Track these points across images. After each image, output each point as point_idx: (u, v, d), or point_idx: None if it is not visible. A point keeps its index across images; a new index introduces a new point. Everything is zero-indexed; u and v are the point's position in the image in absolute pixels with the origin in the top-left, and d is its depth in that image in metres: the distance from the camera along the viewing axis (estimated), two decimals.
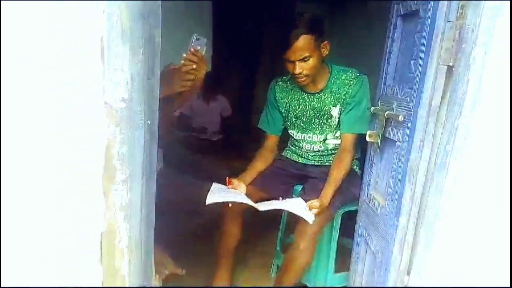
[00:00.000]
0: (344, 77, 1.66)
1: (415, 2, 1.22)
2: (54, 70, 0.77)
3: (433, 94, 1.11)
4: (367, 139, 1.45)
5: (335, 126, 1.72)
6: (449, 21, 1.05)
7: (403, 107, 1.26)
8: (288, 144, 1.93)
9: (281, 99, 1.78)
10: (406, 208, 1.20)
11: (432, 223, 1.13)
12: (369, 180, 1.54)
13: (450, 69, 1.08)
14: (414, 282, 1.23)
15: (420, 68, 1.16)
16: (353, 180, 1.71)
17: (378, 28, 1.64)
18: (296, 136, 1.82)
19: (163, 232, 1.20)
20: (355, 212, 1.67)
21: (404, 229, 1.22)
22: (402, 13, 1.34)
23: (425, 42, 1.13)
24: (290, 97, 1.76)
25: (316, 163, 1.82)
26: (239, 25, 4.59)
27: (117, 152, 0.85)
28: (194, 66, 1.19)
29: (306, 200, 1.56)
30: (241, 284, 1.98)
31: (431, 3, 1.11)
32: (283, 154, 1.92)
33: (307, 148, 1.81)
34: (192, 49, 1.19)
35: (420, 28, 1.18)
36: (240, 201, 1.57)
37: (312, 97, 1.72)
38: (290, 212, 1.55)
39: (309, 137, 1.78)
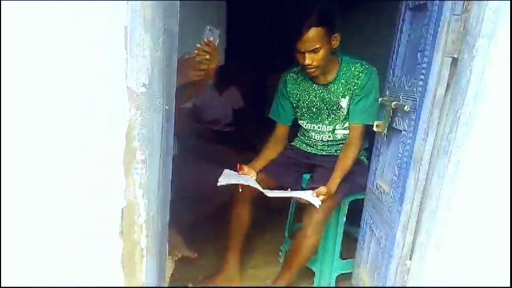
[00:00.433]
0: (353, 69, 1.70)
1: None
2: (82, 57, 0.84)
3: (438, 85, 1.15)
4: (375, 129, 1.49)
5: (344, 116, 1.77)
6: (455, 14, 1.09)
7: (409, 98, 1.30)
8: (298, 134, 1.98)
9: (292, 90, 1.83)
10: (409, 194, 1.25)
11: (434, 210, 1.18)
12: (376, 169, 1.59)
13: (454, 60, 1.11)
14: (416, 267, 1.28)
15: (426, 59, 1.20)
16: (361, 170, 1.75)
17: (388, 20, 1.68)
18: (305, 126, 1.87)
19: (176, 216, 1.27)
20: (362, 201, 1.72)
21: (407, 215, 1.27)
22: (411, 6, 1.38)
23: (431, 34, 1.17)
24: (300, 88, 1.81)
25: (325, 153, 1.87)
26: (252, 18, 4.63)
27: (137, 133, 0.91)
28: (207, 56, 1.25)
29: (314, 188, 1.62)
30: (250, 268, 2.05)
31: None
32: (292, 143, 1.97)
33: (316, 138, 1.86)
34: (205, 40, 1.25)
35: (427, 21, 1.22)
36: (250, 185, 1.63)
37: (322, 88, 1.76)
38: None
39: (319, 127, 1.83)
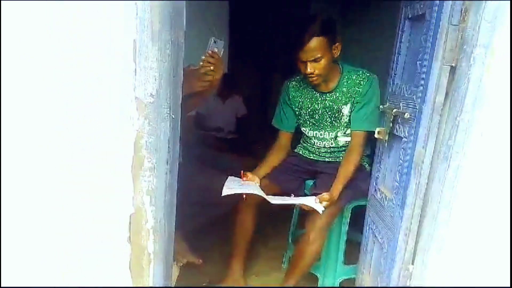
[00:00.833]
0: (355, 77, 1.73)
1: (422, 6, 1.29)
2: (91, 70, 0.87)
3: (437, 93, 1.18)
4: (376, 136, 1.52)
5: (345, 124, 1.80)
6: (453, 24, 1.12)
7: (409, 105, 1.33)
8: (301, 141, 2.01)
9: (294, 98, 1.86)
10: (411, 199, 1.27)
11: (436, 214, 1.20)
12: (378, 175, 1.61)
13: (453, 69, 1.14)
14: (418, 271, 1.29)
15: (425, 68, 1.23)
16: (363, 176, 1.78)
17: (388, 30, 1.71)
18: (308, 133, 1.90)
19: (181, 222, 1.29)
20: (365, 207, 1.74)
21: (409, 219, 1.29)
22: (410, 16, 1.41)
23: (430, 44, 1.20)
24: (303, 96, 1.84)
25: (327, 160, 1.89)
26: (255, 27, 4.68)
27: (145, 142, 0.95)
28: (211, 68, 1.28)
29: (316, 195, 1.64)
30: (254, 275, 2.07)
31: (436, 7, 1.18)
32: (295, 150, 2.00)
33: (318, 145, 1.89)
34: (210, 52, 1.28)
35: (426, 31, 1.25)
36: (254, 192, 1.66)
37: (324, 96, 1.79)
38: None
39: (321, 135, 1.86)
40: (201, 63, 1.28)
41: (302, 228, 1.90)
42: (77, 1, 0.83)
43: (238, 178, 1.76)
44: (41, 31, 0.84)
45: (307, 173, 1.93)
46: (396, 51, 1.50)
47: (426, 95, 1.21)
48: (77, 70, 0.87)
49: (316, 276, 1.89)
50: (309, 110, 1.83)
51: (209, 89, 1.34)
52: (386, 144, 1.51)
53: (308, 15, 1.64)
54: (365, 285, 1.66)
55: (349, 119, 1.78)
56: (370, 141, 1.76)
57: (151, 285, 1.04)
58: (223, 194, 1.60)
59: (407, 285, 1.33)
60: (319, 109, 1.81)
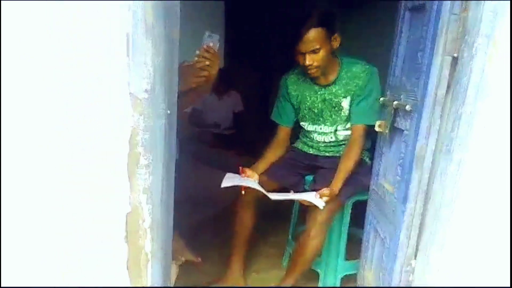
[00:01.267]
0: (354, 69, 1.71)
1: None
2: (84, 65, 0.85)
3: (438, 84, 1.16)
4: (376, 129, 1.50)
5: (345, 117, 1.77)
6: (454, 14, 1.10)
7: (410, 97, 1.31)
8: (300, 136, 1.99)
9: (293, 91, 1.84)
10: (413, 194, 1.25)
11: (438, 208, 1.18)
12: (379, 169, 1.59)
13: (454, 60, 1.12)
14: (420, 267, 1.28)
15: (426, 59, 1.20)
16: (363, 170, 1.76)
17: (388, 25, 1.68)
18: (307, 127, 1.87)
19: (179, 220, 1.27)
20: (366, 202, 1.72)
21: (411, 214, 1.27)
22: (410, 7, 1.38)
23: (430, 34, 1.18)
24: (301, 89, 1.82)
25: (327, 154, 1.87)
26: (251, 21, 4.64)
27: (140, 139, 0.92)
28: (207, 63, 1.25)
29: (317, 190, 1.62)
30: (253, 272, 2.05)
31: None
32: (294, 145, 1.98)
33: (318, 140, 1.87)
34: (204, 46, 1.25)
35: (426, 21, 1.22)
36: (254, 187, 1.64)
37: (323, 89, 1.77)
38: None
39: (320, 129, 1.84)
40: (196, 58, 1.25)
41: (302, 224, 1.89)
42: None
43: (237, 175, 1.73)
44: (31, 25, 0.81)
45: (306, 168, 1.91)
46: (396, 43, 1.47)
47: (428, 87, 1.19)
48: (69, 65, 0.84)
49: (317, 272, 1.88)
50: (308, 104, 1.81)
51: (205, 85, 1.31)
52: (387, 137, 1.49)
53: (306, 6, 1.60)
54: (367, 281, 1.64)
55: (349, 113, 1.75)
56: (370, 134, 1.74)
57: (149, 285, 1.02)
58: (222, 186, 1.59)
59: (410, 280, 1.31)
60: (318, 102, 1.78)
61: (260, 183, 1.75)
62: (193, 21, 2.89)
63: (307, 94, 1.80)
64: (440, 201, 1.17)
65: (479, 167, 1.07)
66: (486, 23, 1.00)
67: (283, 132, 1.90)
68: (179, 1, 0.98)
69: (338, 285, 1.86)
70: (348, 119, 1.77)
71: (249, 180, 1.72)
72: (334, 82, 1.74)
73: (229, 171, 1.76)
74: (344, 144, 1.82)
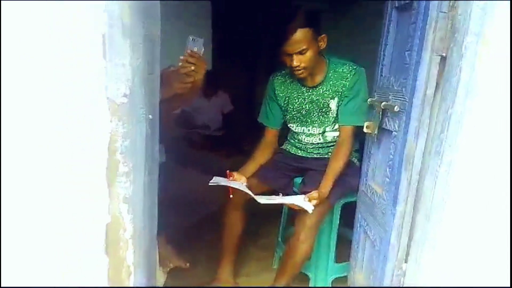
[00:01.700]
0: (341, 70, 1.68)
1: None
2: (57, 68, 0.80)
3: (427, 84, 1.14)
4: (365, 130, 1.47)
5: (333, 118, 1.75)
6: (442, 12, 1.07)
7: (398, 98, 1.28)
8: (288, 138, 1.95)
9: (280, 93, 1.80)
10: (403, 196, 1.23)
11: (429, 210, 1.16)
12: (368, 171, 1.57)
13: (443, 59, 1.10)
14: (412, 270, 1.25)
15: (414, 58, 1.18)
16: (352, 172, 1.73)
17: (375, 21, 1.66)
18: (295, 129, 1.84)
19: (166, 225, 1.23)
20: (355, 202, 1.70)
21: (401, 216, 1.24)
22: (397, 5, 1.36)
23: (418, 33, 1.16)
24: (289, 91, 1.79)
25: (316, 156, 1.84)
26: (238, 21, 4.60)
27: (120, 145, 0.87)
28: (192, 68, 1.20)
29: (306, 192, 1.59)
30: (244, 276, 2.01)
31: None
32: (282, 147, 1.95)
33: (306, 141, 1.84)
34: (188, 51, 1.20)
35: (414, 19, 1.20)
36: (242, 189, 1.61)
37: (310, 90, 1.74)
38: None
39: (308, 130, 1.81)
40: (180, 64, 1.20)
41: (291, 225, 1.86)
42: None
43: (224, 179, 1.70)
44: None
45: (295, 170, 1.88)
46: (384, 42, 1.45)
47: (416, 87, 1.16)
48: (39, 69, 0.79)
49: (307, 275, 1.85)
50: (296, 105, 1.78)
51: (192, 91, 1.26)
52: (375, 138, 1.47)
53: (291, 7, 1.57)
54: (358, 283, 1.62)
55: (337, 114, 1.73)
56: (359, 135, 1.71)
57: None
58: (210, 183, 1.58)
59: (401, 283, 1.29)
60: (306, 104, 1.76)
61: (248, 186, 1.71)
62: (179, 21, 2.84)
63: (294, 95, 1.77)
64: (431, 203, 1.14)
65: (470, 167, 1.05)
66: (475, 21, 0.97)
67: (271, 134, 1.87)
68: (158, 0, 0.94)
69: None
70: (336, 120, 1.74)
71: (237, 184, 1.68)
72: (321, 83, 1.71)
73: (217, 175, 1.72)
74: (332, 145, 1.79)
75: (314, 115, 1.76)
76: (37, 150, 0.83)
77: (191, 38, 1.20)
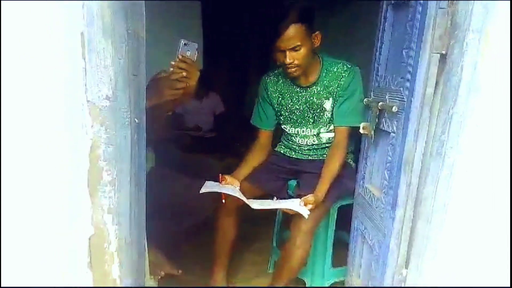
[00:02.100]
0: (335, 69, 1.64)
1: None
2: (32, 69, 0.74)
3: (426, 83, 1.09)
4: (361, 131, 1.43)
5: (328, 119, 1.70)
6: (441, 8, 1.03)
7: (396, 98, 1.24)
8: (281, 139, 1.90)
9: (273, 93, 1.75)
10: (402, 200, 1.18)
11: (430, 215, 1.11)
12: (364, 173, 1.52)
13: (443, 57, 1.05)
14: (412, 276, 1.21)
15: (412, 57, 1.13)
16: (348, 174, 1.69)
17: (371, 19, 1.62)
18: (289, 130, 1.79)
19: (157, 232, 1.17)
20: (352, 205, 1.65)
21: (401, 221, 1.20)
22: (392, 2, 1.32)
23: (416, 31, 1.11)
24: (282, 91, 1.74)
25: (310, 158, 1.79)
26: (229, 22, 4.54)
27: (102, 152, 0.82)
28: (184, 74, 1.11)
29: (301, 196, 1.54)
30: (239, 281, 1.96)
31: None
32: (276, 149, 1.89)
33: (300, 143, 1.79)
34: (180, 56, 1.11)
35: (411, 17, 1.16)
36: (234, 195, 1.55)
37: (304, 90, 1.69)
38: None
39: (303, 131, 1.76)
40: (171, 69, 1.11)
41: (286, 229, 1.81)
42: None
43: (217, 183, 1.64)
44: None
45: (289, 173, 1.82)
46: (379, 41, 1.40)
47: (415, 86, 1.12)
48: (13, 72, 0.73)
49: (303, 280, 1.80)
50: (289, 106, 1.73)
51: (184, 97, 1.19)
52: (372, 140, 1.42)
53: (284, 3, 1.52)
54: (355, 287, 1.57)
55: (332, 114, 1.68)
56: (354, 136, 1.67)
57: None
58: (201, 191, 1.53)
59: None
60: (300, 104, 1.71)
61: (241, 190, 1.66)
62: (170, 26, 2.77)
63: (287, 95, 1.72)
64: (432, 207, 1.10)
65: (473, 170, 1.00)
66: (477, 17, 0.93)
67: (264, 136, 1.81)
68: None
69: None
70: (330, 121, 1.70)
71: (230, 187, 1.63)
72: (315, 83, 1.66)
73: (209, 178, 1.67)
74: (327, 146, 1.74)
75: (308, 116, 1.71)
76: (11, 158, 0.76)
77: (183, 42, 1.12)
